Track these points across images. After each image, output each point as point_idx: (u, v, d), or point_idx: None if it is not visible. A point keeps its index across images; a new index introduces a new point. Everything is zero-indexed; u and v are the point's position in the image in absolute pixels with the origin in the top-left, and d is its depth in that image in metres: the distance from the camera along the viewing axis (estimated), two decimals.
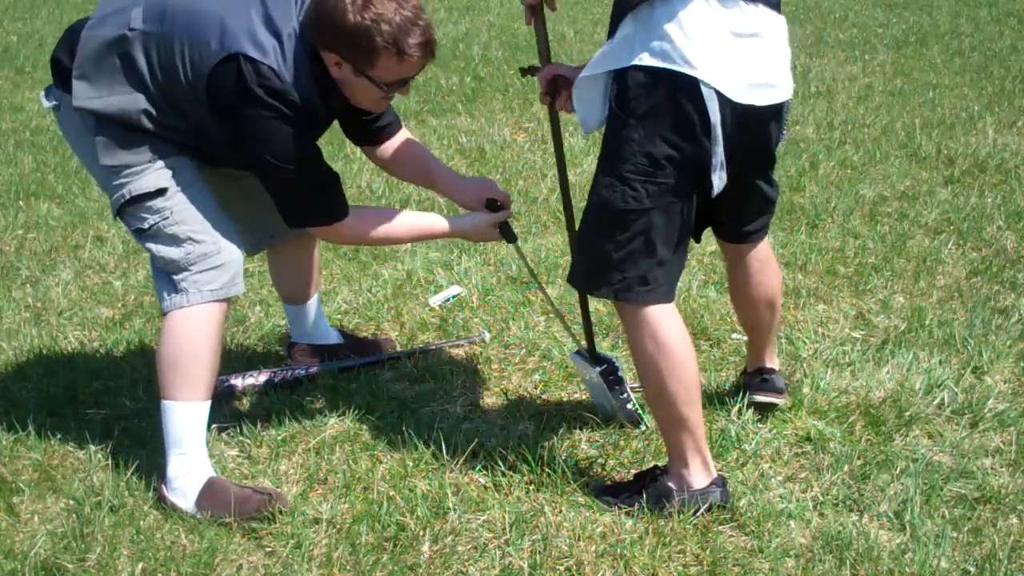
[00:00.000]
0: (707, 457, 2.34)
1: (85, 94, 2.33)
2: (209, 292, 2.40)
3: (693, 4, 2.07)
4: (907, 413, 2.71)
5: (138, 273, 3.81)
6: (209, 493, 2.38)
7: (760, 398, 2.71)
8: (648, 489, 2.35)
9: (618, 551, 2.21)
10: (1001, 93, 6.14)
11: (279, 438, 2.68)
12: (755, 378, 2.75)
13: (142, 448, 2.67)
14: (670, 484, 2.33)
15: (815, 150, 5.07)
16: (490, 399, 2.89)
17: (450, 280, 3.67)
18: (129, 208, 2.40)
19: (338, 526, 2.33)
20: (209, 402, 2.44)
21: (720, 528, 2.30)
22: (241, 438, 2.69)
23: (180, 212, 2.39)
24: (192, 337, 2.39)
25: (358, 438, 2.68)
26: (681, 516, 2.30)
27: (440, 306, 3.47)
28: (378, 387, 2.93)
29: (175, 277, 2.40)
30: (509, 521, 2.31)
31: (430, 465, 2.55)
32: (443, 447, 2.60)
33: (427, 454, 2.58)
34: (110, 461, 2.59)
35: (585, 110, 2.28)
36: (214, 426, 2.73)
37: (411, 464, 2.54)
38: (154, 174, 2.37)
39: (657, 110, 2.12)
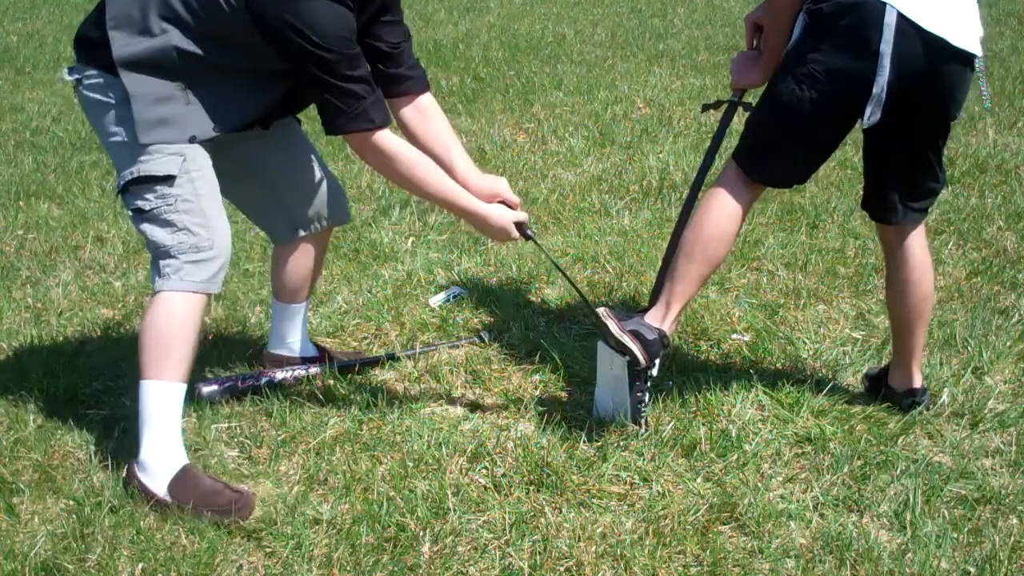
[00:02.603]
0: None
1: (123, 42, 2.34)
2: (191, 283, 2.42)
3: None
4: (907, 413, 2.71)
5: (138, 273, 3.81)
6: (183, 480, 2.39)
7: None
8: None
9: (618, 551, 2.21)
10: (1001, 93, 6.13)
11: (279, 438, 2.68)
12: (905, 399, 2.75)
13: None
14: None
15: None
16: (490, 399, 2.89)
17: (450, 280, 3.67)
18: (134, 187, 2.41)
19: (338, 526, 2.33)
20: (184, 386, 2.46)
21: (720, 528, 2.30)
22: (241, 438, 2.69)
23: (184, 202, 2.41)
24: (180, 318, 2.41)
25: (358, 438, 2.68)
26: (681, 517, 2.30)
27: (440, 306, 3.47)
28: (378, 387, 2.93)
29: (161, 263, 2.43)
30: (509, 521, 2.31)
31: (430, 465, 2.54)
32: (443, 447, 2.60)
33: (427, 454, 2.58)
34: (110, 461, 2.58)
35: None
36: (214, 426, 2.74)
37: (411, 464, 2.54)
38: (166, 159, 2.39)
39: (844, 31, 2.36)
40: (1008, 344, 3.09)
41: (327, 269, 3.76)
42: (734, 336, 3.19)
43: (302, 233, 2.86)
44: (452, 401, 2.88)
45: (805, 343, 3.12)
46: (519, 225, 2.64)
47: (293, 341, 3.03)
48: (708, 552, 2.22)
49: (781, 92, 2.48)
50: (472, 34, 8.51)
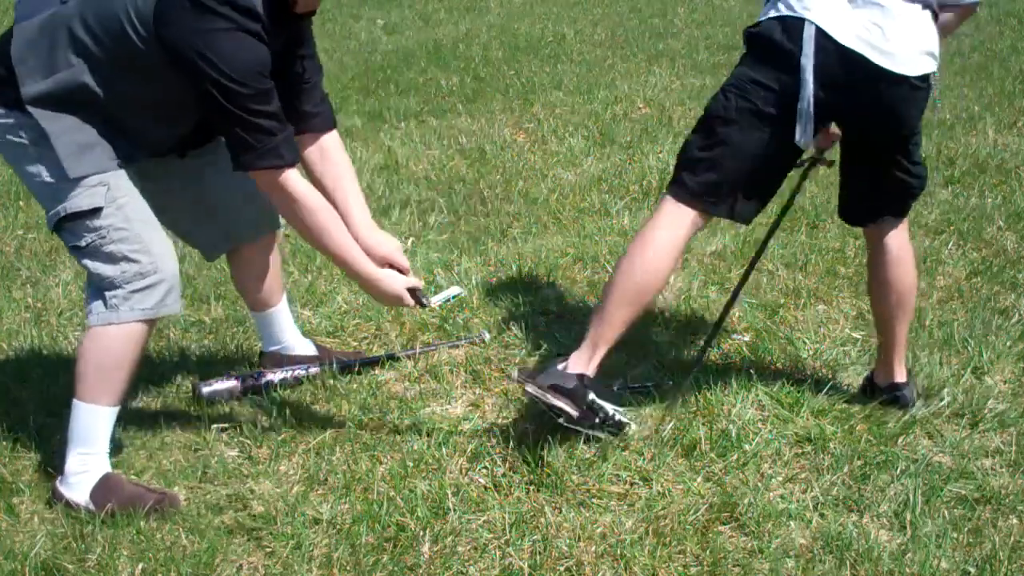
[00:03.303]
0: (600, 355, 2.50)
1: (30, 78, 2.29)
2: (140, 311, 2.39)
3: None
4: (908, 414, 2.71)
5: None
6: (104, 487, 2.40)
7: None
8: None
9: (618, 551, 2.21)
10: (1001, 93, 6.13)
11: (279, 438, 2.68)
12: (888, 394, 2.77)
13: (142, 448, 2.67)
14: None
15: None
16: (490, 399, 2.89)
17: (450, 280, 3.67)
18: (67, 224, 2.37)
19: (338, 526, 2.33)
20: (118, 407, 2.46)
21: (720, 528, 2.30)
22: (241, 438, 2.69)
23: (117, 231, 2.37)
24: (117, 349, 2.40)
25: (358, 438, 2.67)
26: (681, 517, 2.30)
27: (440, 306, 3.46)
28: (378, 387, 2.93)
29: (107, 293, 2.39)
30: (509, 521, 2.31)
31: (430, 465, 2.54)
32: (443, 447, 2.60)
33: (427, 454, 2.58)
34: (110, 461, 2.59)
35: None
36: (214, 426, 2.74)
37: (411, 464, 2.54)
38: (90, 192, 2.34)
39: (768, 45, 2.42)
40: (1008, 344, 3.09)
41: (327, 269, 3.76)
42: (734, 336, 3.19)
43: (235, 243, 2.84)
44: (452, 401, 2.88)
45: (805, 343, 3.12)
46: (412, 292, 2.56)
47: (285, 339, 3.03)
48: (708, 552, 2.22)
49: (709, 106, 2.51)
50: (472, 34, 8.51)
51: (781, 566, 2.18)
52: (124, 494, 2.39)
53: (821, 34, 2.33)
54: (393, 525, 2.31)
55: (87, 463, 2.42)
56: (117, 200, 2.37)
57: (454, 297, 3.52)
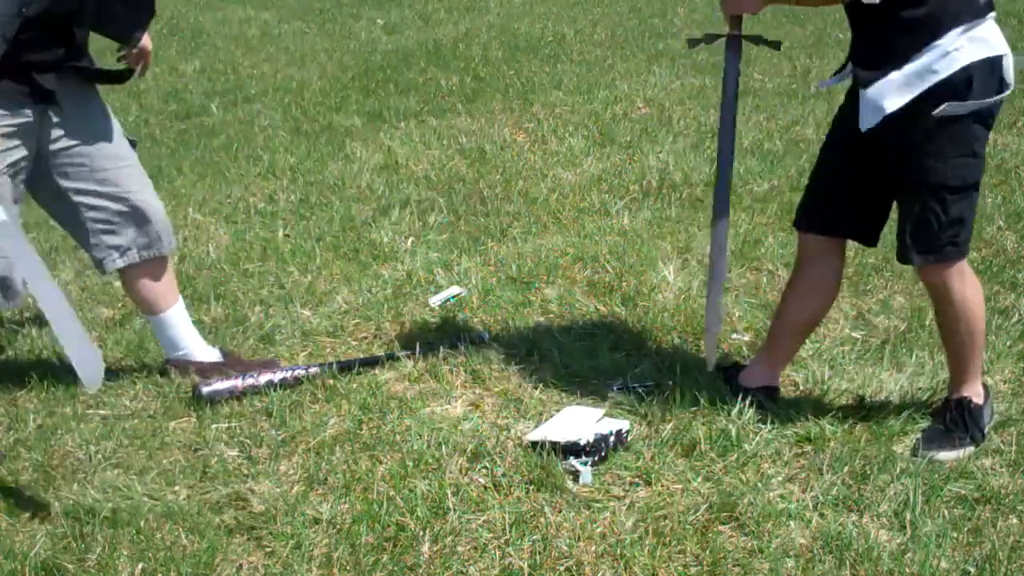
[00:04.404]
0: None
1: None
2: None
3: None
4: (907, 413, 2.71)
5: None
6: None
7: None
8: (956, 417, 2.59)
9: (618, 551, 2.21)
10: None
11: (279, 438, 2.68)
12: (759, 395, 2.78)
13: (142, 448, 2.67)
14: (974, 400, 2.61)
15: (815, 150, 5.02)
16: (490, 399, 2.89)
17: (450, 280, 3.67)
18: None
19: (338, 526, 2.33)
20: None
21: (720, 528, 2.30)
22: (241, 438, 2.69)
23: None
24: None
25: (358, 438, 2.68)
26: (681, 517, 2.30)
27: (440, 306, 3.47)
28: (378, 387, 2.93)
29: None
30: (509, 521, 2.31)
31: (430, 465, 2.54)
32: (443, 447, 2.60)
33: (427, 454, 2.58)
34: (110, 461, 2.59)
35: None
36: (214, 426, 2.74)
37: (411, 464, 2.54)
38: None
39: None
40: (1008, 344, 3.09)
41: (327, 269, 3.76)
42: (734, 336, 3.19)
43: (112, 266, 2.83)
44: (452, 401, 2.88)
45: (805, 343, 3.12)
46: None
47: (185, 344, 3.01)
48: (708, 552, 2.22)
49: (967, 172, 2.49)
50: (472, 34, 8.51)
51: (781, 566, 2.18)
52: None
53: None
54: (393, 525, 2.31)
55: None
56: None
57: (454, 297, 3.52)
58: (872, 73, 2.40)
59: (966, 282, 2.53)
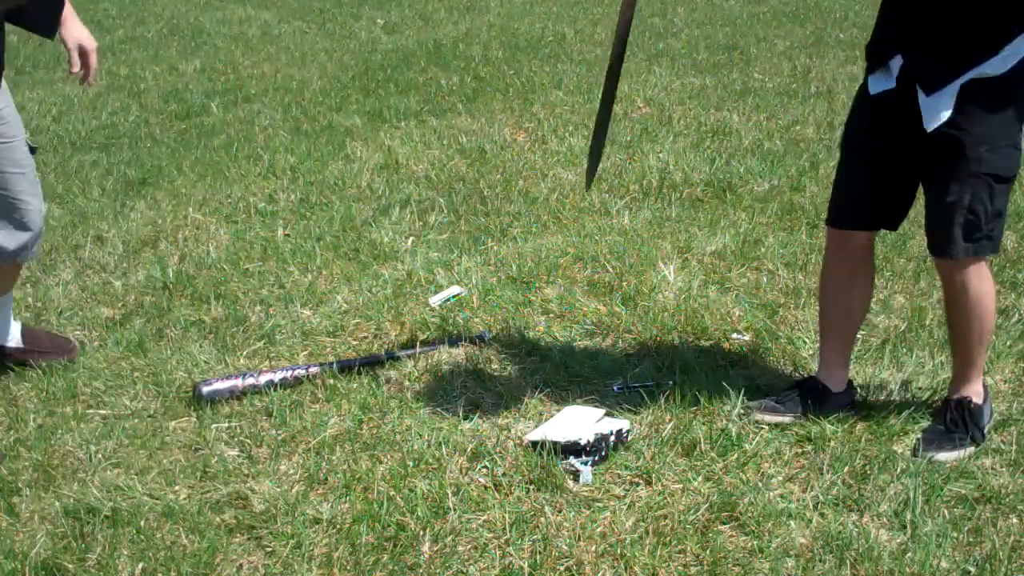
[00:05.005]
0: None
1: None
2: None
3: None
4: (907, 413, 2.71)
5: (138, 273, 3.81)
6: None
7: None
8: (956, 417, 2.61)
9: (618, 551, 2.22)
10: None
11: (279, 438, 2.69)
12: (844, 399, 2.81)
13: (142, 448, 2.67)
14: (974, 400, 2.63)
15: (815, 150, 5.06)
16: (490, 399, 2.89)
17: (450, 280, 3.67)
18: None
19: (338, 526, 2.33)
20: None
21: (720, 528, 2.30)
22: (241, 438, 2.69)
23: None
24: None
25: (358, 438, 2.68)
26: (681, 516, 2.30)
27: (440, 306, 3.47)
28: (378, 387, 2.93)
29: None
30: (509, 521, 2.31)
31: (430, 465, 2.55)
32: (443, 447, 2.60)
33: (427, 454, 2.58)
34: (110, 461, 2.59)
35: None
36: (214, 426, 2.74)
37: (411, 464, 2.54)
38: None
39: None
40: (1008, 344, 3.09)
41: (327, 269, 3.76)
42: (734, 336, 3.19)
43: None
44: (452, 401, 2.88)
45: (805, 343, 3.12)
46: None
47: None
48: (708, 551, 2.22)
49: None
50: (472, 34, 8.51)
51: (781, 565, 2.18)
52: None
53: None
54: (393, 525, 2.31)
55: None
56: None
57: (454, 297, 3.52)
58: (943, 79, 2.40)
59: (983, 278, 2.54)
